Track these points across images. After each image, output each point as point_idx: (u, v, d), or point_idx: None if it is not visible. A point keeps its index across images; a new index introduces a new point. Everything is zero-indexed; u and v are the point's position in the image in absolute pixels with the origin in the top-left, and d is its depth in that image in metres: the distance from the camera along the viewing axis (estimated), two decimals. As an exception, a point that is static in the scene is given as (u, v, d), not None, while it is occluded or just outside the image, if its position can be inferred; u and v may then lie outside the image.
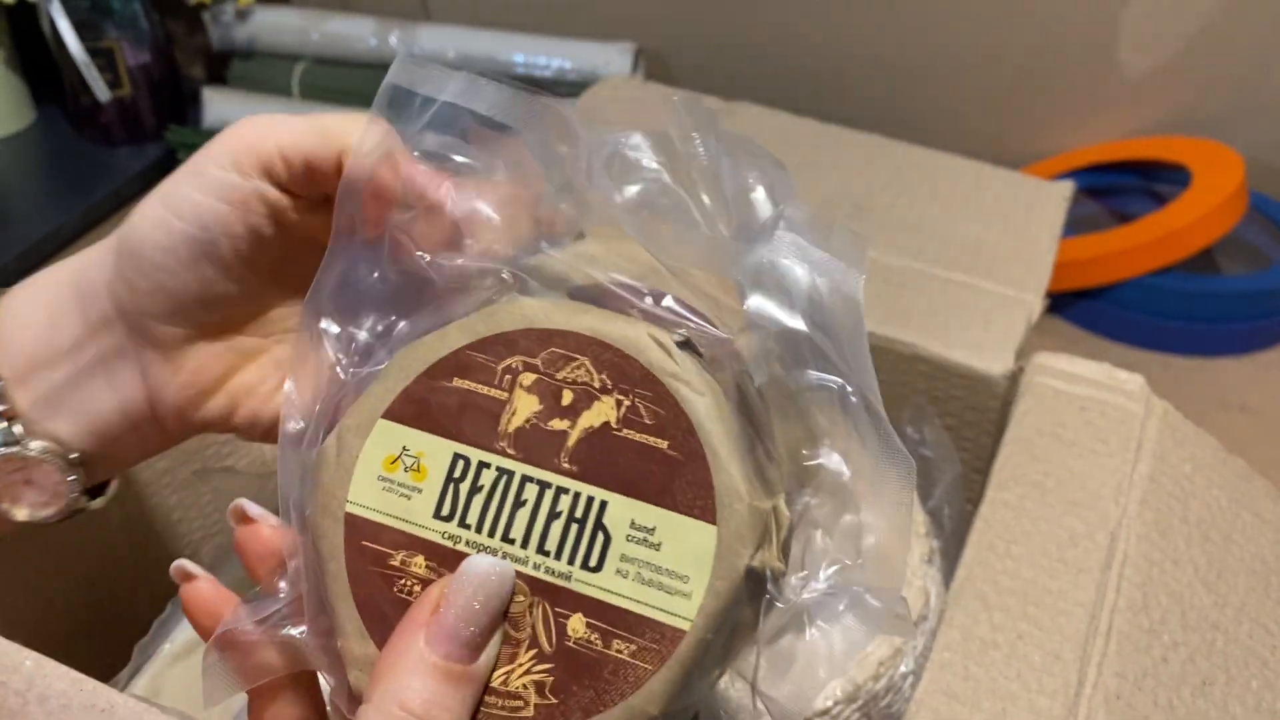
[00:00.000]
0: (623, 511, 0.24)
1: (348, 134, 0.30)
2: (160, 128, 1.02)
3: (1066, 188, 0.60)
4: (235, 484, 0.44)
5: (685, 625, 0.23)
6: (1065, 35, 0.96)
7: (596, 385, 0.25)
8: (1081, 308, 0.90)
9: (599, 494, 0.25)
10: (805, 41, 1.01)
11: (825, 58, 1.01)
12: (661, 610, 0.24)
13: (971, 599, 0.35)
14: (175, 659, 0.38)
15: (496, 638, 0.24)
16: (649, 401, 0.25)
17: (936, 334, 0.48)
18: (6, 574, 0.39)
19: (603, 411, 0.25)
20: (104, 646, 0.44)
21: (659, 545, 0.24)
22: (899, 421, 0.50)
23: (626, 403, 0.25)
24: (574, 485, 0.25)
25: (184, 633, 0.39)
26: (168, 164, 1.01)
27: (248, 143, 0.30)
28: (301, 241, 0.32)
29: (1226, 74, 0.95)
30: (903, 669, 0.41)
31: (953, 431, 0.49)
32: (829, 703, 0.40)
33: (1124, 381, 0.45)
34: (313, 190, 0.31)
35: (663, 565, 0.24)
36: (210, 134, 1.00)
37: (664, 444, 0.24)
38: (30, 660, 0.33)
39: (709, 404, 0.25)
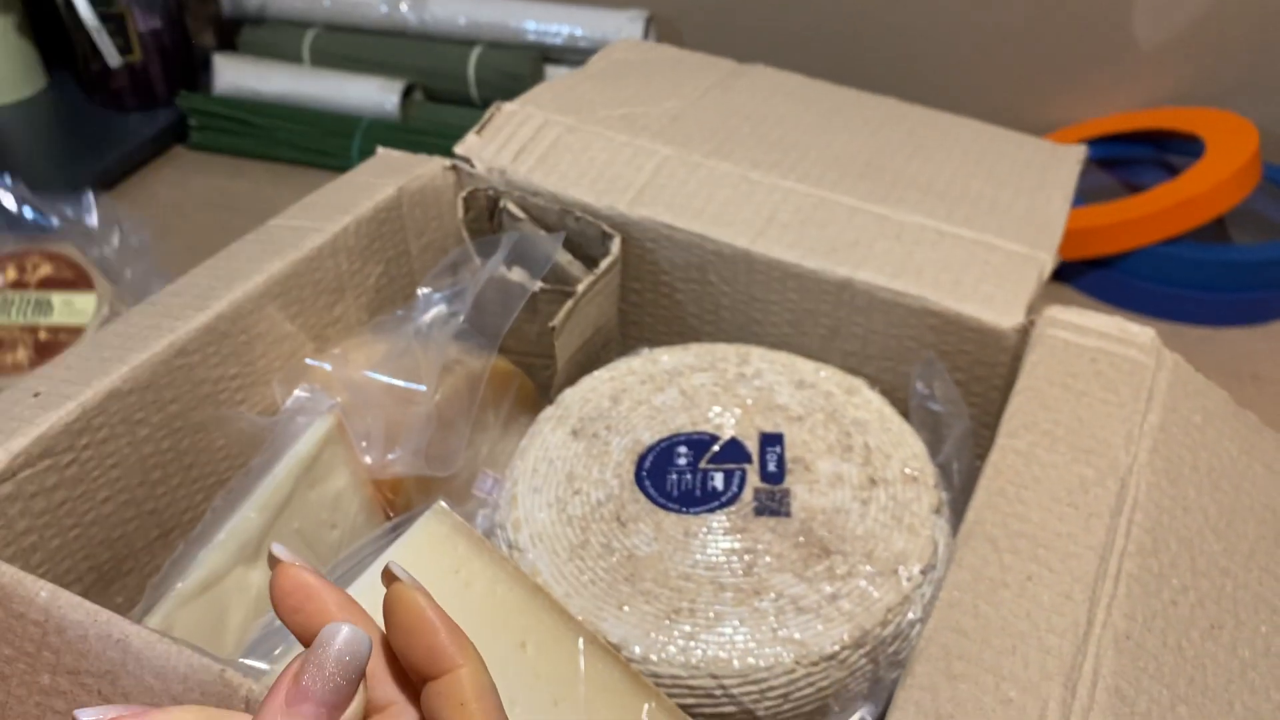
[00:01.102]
0: None
1: None
2: (171, 94, 1.02)
3: (1079, 150, 0.60)
4: (248, 429, 0.45)
5: None
6: (1080, 6, 0.96)
7: None
8: (1093, 276, 0.90)
9: None
10: (818, 11, 1.00)
11: (837, 28, 1.01)
12: None
13: (981, 541, 0.36)
14: (187, 599, 0.39)
15: (357, 699, 0.23)
16: None
17: (947, 288, 0.48)
18: (23, 518, 0.39)
19: None
20: (120, 588, 0.44)
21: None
22: (905, 376, 0.50)
23: None
24: None
25: (197, 572, 0.39)
26: (178, 130, 1.01)
27: None
28: None
29: (1241, 45, 0.95)
30: (910, 616, 0.42)
31: (962, 386, 0.49)
32: (836, 647, 0.40)
33: (1135, 335, 0.45)
34: None
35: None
36: (221, 101, 1.00)
37: None
38: (46, 591, 0.33)
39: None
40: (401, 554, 0.37)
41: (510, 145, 0.56)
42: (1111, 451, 0.39)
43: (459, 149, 0.56)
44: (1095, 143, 1.00)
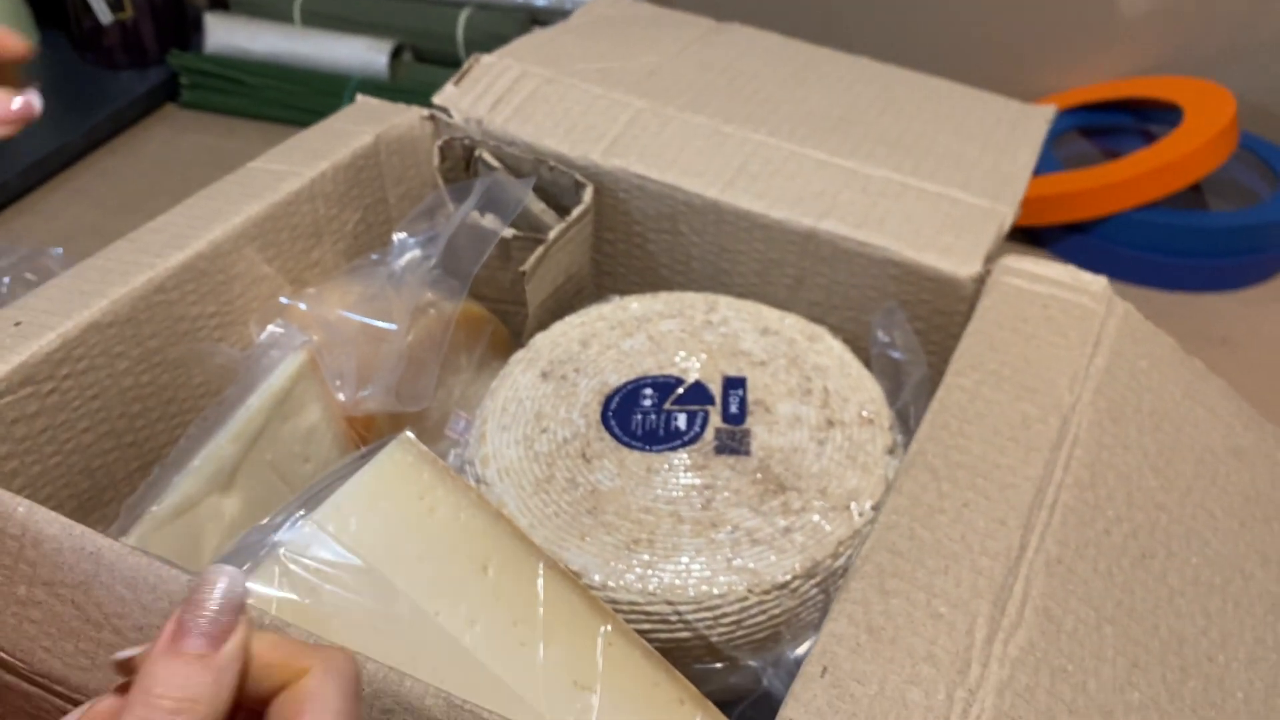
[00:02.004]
0: None
1: None
2: (162, 52, 1.03)
3: (1048, 110, 0.61)
4: (224, 363, 0.46)
5: None
6: (1062, -28, 0.97)
7: None
8: (1070, 242, 0.91)
9: None
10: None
11: (823, -9, 1.02)
12: None
13: (922, 470, 0.37)
14: (162, 523, 0.40)
15: (239, 633, 0.25)
16: None
17: (908, 239, 0.50)
18: (4, 443, 0.41)
19: None
20: (100, 516, 0.46)
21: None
22: (867, 325, 0.52)
23: None
24: None
25: (171, 497, 0.40)
26: (169, 88, 1.02)
27: None
28: None
29: (1221, 15, 0.96)
30: (863, 550, 0.43)
31: (922, 335, 0.50)
32: (788, 577, 0.42)
33: (1088, 283, 0.46)
34: None
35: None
36: (213, 60, 1.01)
37: None
38: (23, 507, 0.35)
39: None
40: (368, 480, 0.38)
41: (487, 96, 0.57)
42: (1056, 391, 0.41)
43: (437, 99, 0.57)
44: (1077, 111, 1.01)
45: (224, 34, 1.03)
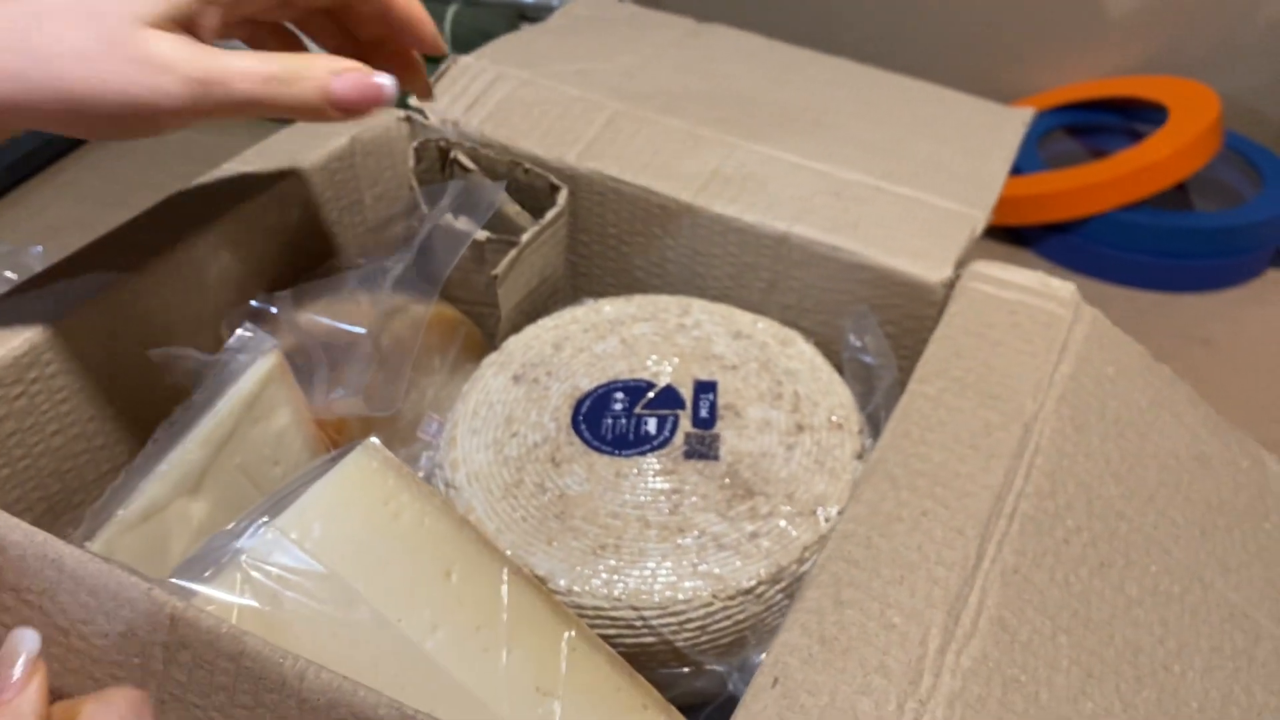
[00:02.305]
0: None
1: None
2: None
3: (1025, 113, 0.61)
4: (194, 367, 0.46)
5: None
6: (1049, -30, 0.97)
7: None
8: (1054, 241, 0.91)
9: None
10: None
11: (810, -12, 1.02)
12: None
13: (881, 479, 0.37)
14: (129, 527, 0.40)
15: (33, 685, 0.30)
16: None
17: (880, 243, 0.50)
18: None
19: None
20: (71, 519, 0.46)
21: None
22: (840, 329, 0.52)
23: None
24: None
25: (138, 501, 0.40)
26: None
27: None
28: None
29: (1207, 15, 0.96)
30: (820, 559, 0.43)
31: (893, 339, 0.51)
32: (753, 582, 0.42)
33: (1056, 289, 0.46)
34: None
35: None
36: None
37: None
38: (-13, 513, 0.35)
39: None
40: (332, 486, 0.38)
41: (464, 97, 0.57)
42: (1019, 398, 0.41)
43: (413, 100, 0.57)
44: (1064, 110, 1.01)
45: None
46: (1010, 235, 0.93)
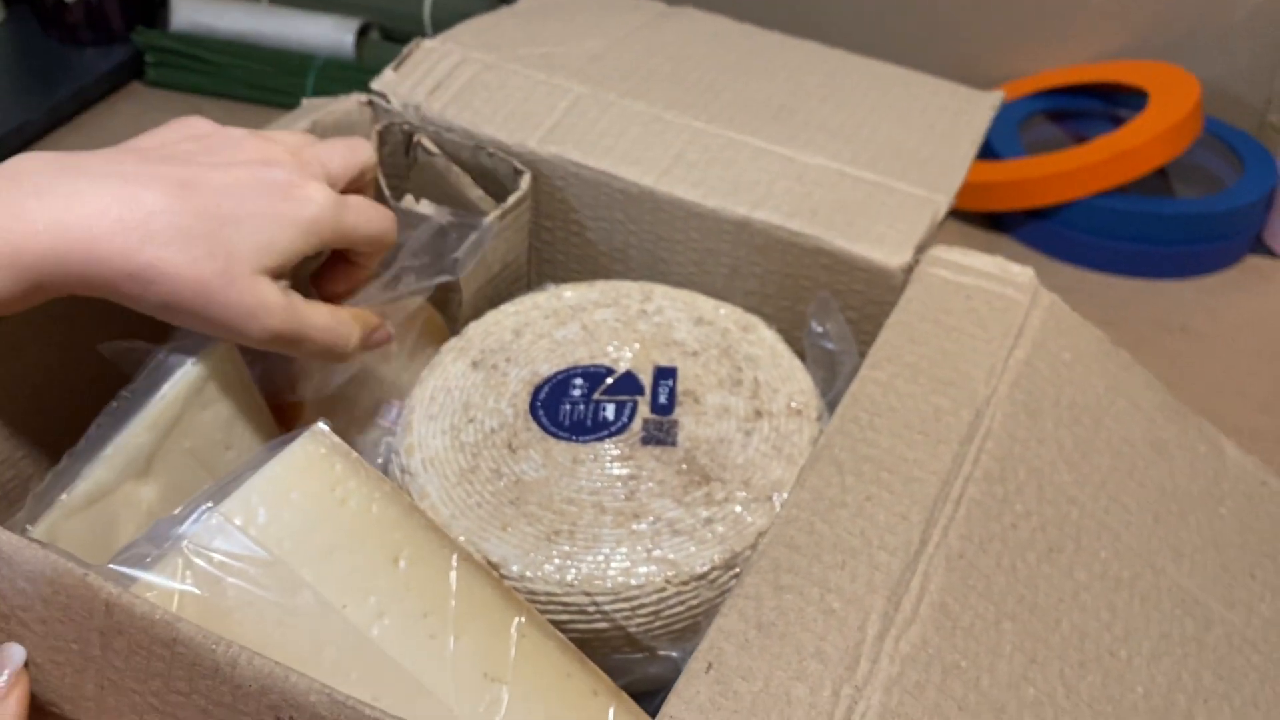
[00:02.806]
0: None
1: None
2: (127, 29, 1.02)
3: (994, 98, 0.61)
4: (143, 357, 0.46)
5: None
6: (1030, -45, 0.96)
7: None
8: (1032, 228, 0.91)
9: None
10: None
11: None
12: None
13: (827, 464, 0.37)
14: (73, 511, 0.40)
15: (13, 699, 0.32)
16: None
17: (840, 229, 0.50)
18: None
19: None
20: (20, 508, 0.46)
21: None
22: (803, 315, 0.52)
23: None
24: None
25: (82, 485, 0.40)
26: (134, 65, 1.01)
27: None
28: None
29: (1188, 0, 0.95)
30: (761, 545, 0.43)
31: (854, 325, 0.50)
32: (706, 568, 0.42)
33: (1015, 274, 0.46)
34: None
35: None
36: (178, 38, 1.00)
37: None
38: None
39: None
40: (278, 471, 0.38)
41: (426, 81, 0.57)
42: (971, 384, 0.41)
43: (375, 84, 0.57)
44: (1045, 95, 1.00)
45: (190, 11, 1.03)
46: (989, 221, 0.93)
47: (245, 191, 0.40)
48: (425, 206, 0.53)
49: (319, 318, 0.42)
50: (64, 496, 0.39)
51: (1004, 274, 0.46)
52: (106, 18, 1.02)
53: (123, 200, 0.38)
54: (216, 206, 0.39)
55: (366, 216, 0.44)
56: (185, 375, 0.43)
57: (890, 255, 0.48)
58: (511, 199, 0.53)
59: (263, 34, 1.02)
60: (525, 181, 0.54)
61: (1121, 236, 0.88)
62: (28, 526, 0.39)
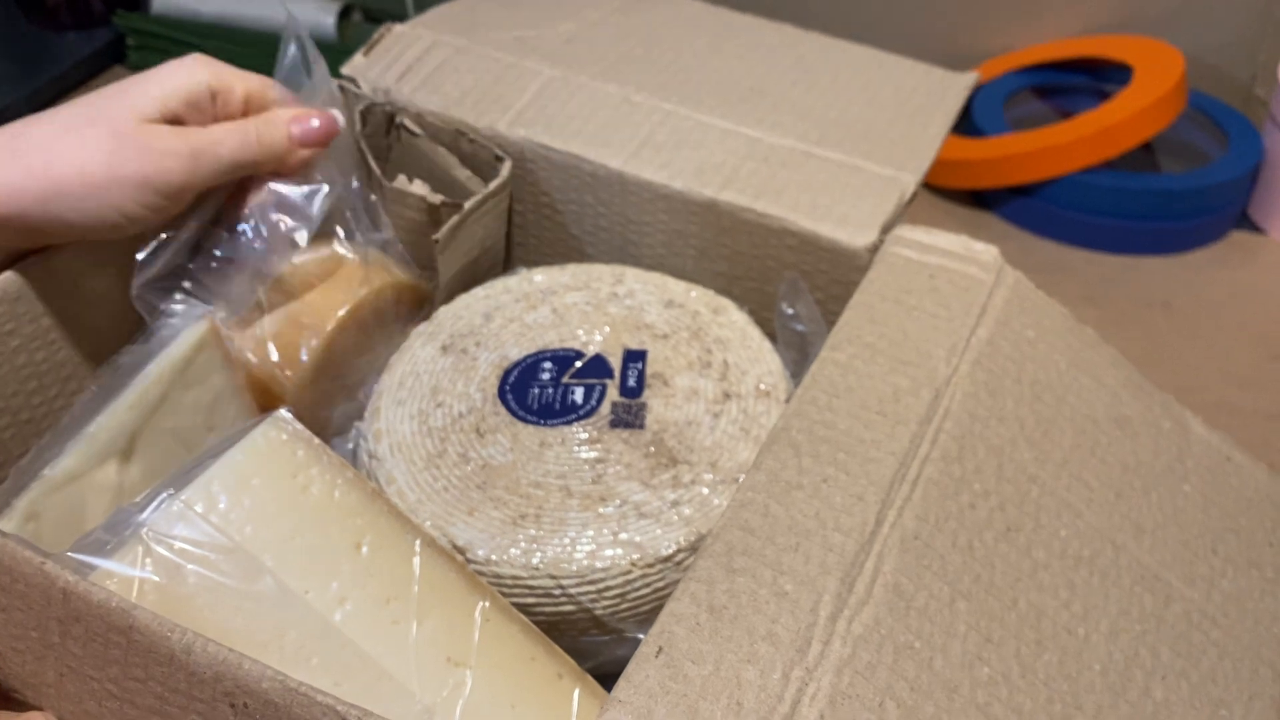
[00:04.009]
0: None
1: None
2: (108, 13, 1.02)
3: (969, 78, 0.60)
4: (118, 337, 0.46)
5: None
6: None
7: None
8: (1016, 204, 0.90)
9: None
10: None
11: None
12: None
13: (784, 447, 0.37)
14: (55, 487, 0.40)
15: None
16: None
17: (806, 209, 0.49)
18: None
19: None
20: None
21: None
22: (774, 296, 0.52)
23: None
24: None
25: (65, 461, 0.40)
26: (115, 49, 1.01)
27: (186, 185, 0.44)
28: None
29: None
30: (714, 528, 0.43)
31: (823, 305, 0.50)
32: (672, 549, 0.42)
33: (979, 253, 0.46)
34: None
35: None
36: (159, 20, 1.00)
37: None
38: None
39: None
40: (239, 458, 0.38)
41: (396, 66, 0.57)
42: (931, 363, 0.41)
43: (345, 69, 0.57)
44: (1031, 71, 1.00)
45: (171, -4, 1.02)
46: (974, 199, 0.93)
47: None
48: (418, 187, 0.53)
49: (220, 130, 0.45)
50: (47, 472, 0.40)
51: (968, 252, 0.46)
52: (87, 1, 1.02)
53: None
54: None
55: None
56: (169, 356, 0.43)
57: (855, 235, 0.48)
58: (491, 185, 0.53)
59: (244, 16, 1.01)
60: (506, 168, 0.54)
61: (1106, 212, 0.88)
62: (12, 500, 0.39)
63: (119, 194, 0.42)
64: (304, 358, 0.48)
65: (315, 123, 0.47)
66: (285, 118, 0.47)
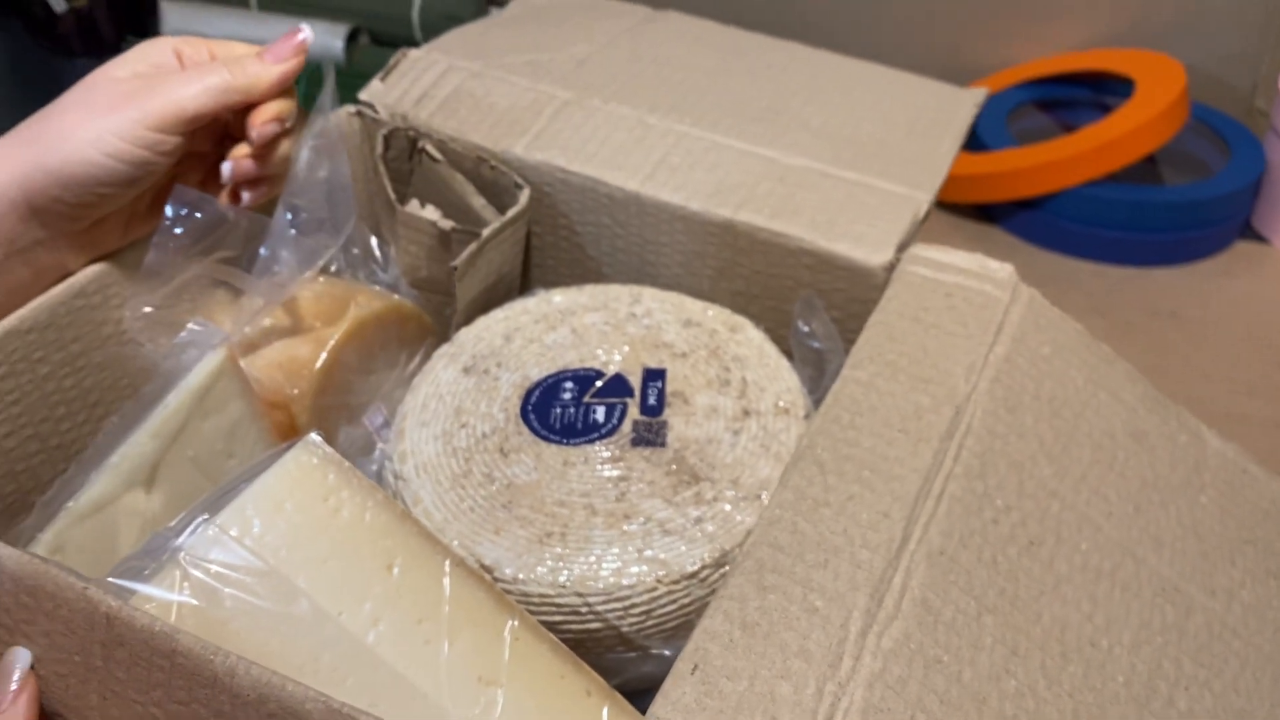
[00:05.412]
0: None
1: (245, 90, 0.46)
2: (118, 38, 1.03)
3: (978, 94, 0.61)
4: (146, 365, 0.47)
5: None
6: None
7: None
8: (1022, 218, 0.91)
9: None
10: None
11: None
12: None
13: (810, 464, 0.38)
14: (79, 518, 0.41)
15: (23, 699, 0.34)
16: None
17: (822, 228, 0.50)
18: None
19: None
20: (26, 519, 0.46)
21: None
22: (790, 315, 0.52)
23: None
24: None
25: (89, 492, 0.41)
26: (125, 76, 1.02)
27: (164, 112, 0.44)
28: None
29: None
30: (745, 546, 0.44)
31: (839, 324, 0.51)
32: (696, 566, 0.43)
33: (994, 271, 0.47)
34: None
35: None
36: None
37: None
38: (-73, 517, 0.36)
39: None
40: (272, 483, 0.39)
41: (413, 91, 0.58)
42: (951, 381, 0.41)
43: (363, 95, 0.58)
44: (1034, 85, 1.01)
45: (180, 19, 1.03)
46: (979, 212, 0.94)
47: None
48: (430, 212, 0.54)
49: (192, 74, 0.46)
50: (71, 504, 0.40)
51: (984, 271, 0.47)
52: (97, 27, 1.03)
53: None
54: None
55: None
56: (188, 385, 0.44)
57: (871, 254, 0.49)
58: (510, 212, 0.54)
59: (252, 40, 1.02)
60: (524, 197, 0.55)
61: (1110, 224, 0.88)
62: (37, 533, 0.40)
63: (95, 130, 0.43)
64: (315, 366, 0.49)
65: (288, 40, 0.49)
66: (250, 51, 0.49)
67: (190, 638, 0.32)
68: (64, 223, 0.45)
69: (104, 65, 0.46)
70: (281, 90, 0.48)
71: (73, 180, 0.43)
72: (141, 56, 0.47)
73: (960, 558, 0.36)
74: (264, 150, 0.48)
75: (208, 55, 0.48)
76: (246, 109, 0.47)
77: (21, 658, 0.34)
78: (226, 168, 0.48)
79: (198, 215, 0.47)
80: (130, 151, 0.43)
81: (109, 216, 0.46)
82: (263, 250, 0.48)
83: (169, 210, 0.47)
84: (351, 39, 1.01)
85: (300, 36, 0.49)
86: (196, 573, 0.36)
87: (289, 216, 0.48)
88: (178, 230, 0.46)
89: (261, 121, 0.47)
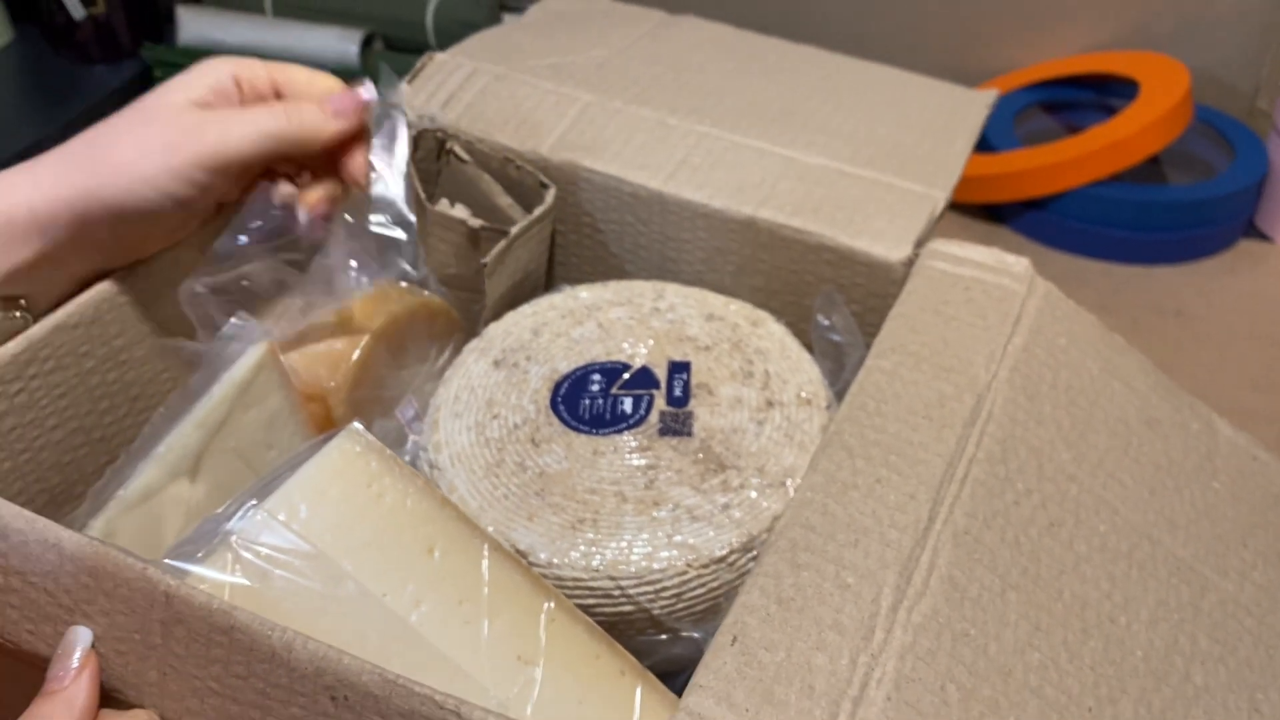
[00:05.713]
0: None
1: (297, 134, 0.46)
2: (136, 45, 1.05)
3: (989, 95, 0.63)
4: (188, 357, 0.48)
5: None
6: (1020, -50, 0.98)
7: None
8: (1029, 218, 0.93)
9: None
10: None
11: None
12: None
13: (838, 449, 0.39)
14: (129, 507, 0.42)
15: (85, 676, 0.34)
16: None
17: (842, 225, 0.52)
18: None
19: None
20: (72, 509, 0.48)
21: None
22: (809, 309, 0.54)
23: None
24: None
25: (137, 480, 0.42)
26: (144, 81, 1.03)
27: (217, 155, 0.45)
28: None
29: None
30: (778, 526, 0.45)
31: (859, 317, 0.52)
32: (725, 551, 0.44)
33: (1011, 265, 0.48)
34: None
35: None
36: (185, 52, 1.02)
37: None
38: (-11, 503, 0.37)
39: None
40: (317, 469, 0.40)
41: (439, 93, 0.59)
42: (972, 370, 0.43)
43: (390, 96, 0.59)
44: (1040, 87, 1.02)
45: (197, 26, 1.05)
46: (987, 212, 0.95)
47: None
48: (459, 211, 0.56)
49: (248, 108, 0.46)
50: (121, 493, 0.42)
51: (1001, 265, 0.48)
52: (114, 34, 1.04)
53: None
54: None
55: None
56: (231, 378, 0.45)
57: (890, 250, 0.51)
58: (537, 211, 0.55)
59: (268, 46, 1.04)
60: (550, 196, 0.56)
61: (1116, 224, 0.90)
62: (90, 519, 0.41)
63: (152, 167, 0.44)
64: (351, 359, 0.50)
65: (350, 95, 0.48)
66: (315, 95, 0.48)
67: (247, 614, 0.34)
68: (113, 246, 0.46)
69: (160, 88, 0.46)
70: (336, 144, 0.48)
71: (126, 213, 0.44)
72: (199, 79, 0.46)
73: (984, 538, 0.38)
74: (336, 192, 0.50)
75: (267, 80, 0.48)
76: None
77: (83, 636, 0.35)
78: (303, 216, 0.49)
79: (274, 213, 0.48)
80: (184, 191, 0.45)
81: (156, 236, 0.48)
82: (324, 257, 0.49)
83: (249, 205, 0.48)
84: (366, 44, 1.03)
85: (365, 97, 0.48)
86: (248, 555, 0.37)
87: (350, 221, 0.50)
88: (253, 224, 0.48)
89: (312, 204, 0.49)
